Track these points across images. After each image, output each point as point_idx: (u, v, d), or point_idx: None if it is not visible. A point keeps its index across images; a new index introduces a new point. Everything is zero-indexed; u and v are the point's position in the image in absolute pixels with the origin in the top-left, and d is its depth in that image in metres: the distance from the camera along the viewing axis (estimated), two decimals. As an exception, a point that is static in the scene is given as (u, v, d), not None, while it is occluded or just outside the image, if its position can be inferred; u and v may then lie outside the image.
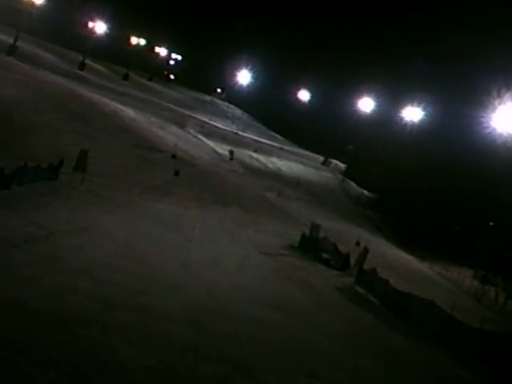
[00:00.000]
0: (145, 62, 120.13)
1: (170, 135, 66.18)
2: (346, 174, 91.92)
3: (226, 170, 62.42)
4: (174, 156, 55.95)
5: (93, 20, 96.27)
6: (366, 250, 38.20)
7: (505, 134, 56.12)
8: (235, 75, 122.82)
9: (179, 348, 15.51)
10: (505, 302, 49.08)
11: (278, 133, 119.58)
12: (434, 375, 21.09)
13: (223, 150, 72.79)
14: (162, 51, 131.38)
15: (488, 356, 23.82)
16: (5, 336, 12.95)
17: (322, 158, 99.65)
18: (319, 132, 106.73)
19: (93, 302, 16.99)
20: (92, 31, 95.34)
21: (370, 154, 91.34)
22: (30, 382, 11.58)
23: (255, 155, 78.99)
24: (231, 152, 68.63)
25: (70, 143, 43.50)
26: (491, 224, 74.60)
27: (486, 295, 49.86)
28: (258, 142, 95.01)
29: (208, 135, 78.34)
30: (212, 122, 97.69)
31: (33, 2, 74.97)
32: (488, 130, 58.15)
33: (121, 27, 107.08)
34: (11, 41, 70.30)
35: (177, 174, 49.07)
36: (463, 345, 24.77)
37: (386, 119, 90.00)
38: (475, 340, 24.74)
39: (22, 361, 12.19)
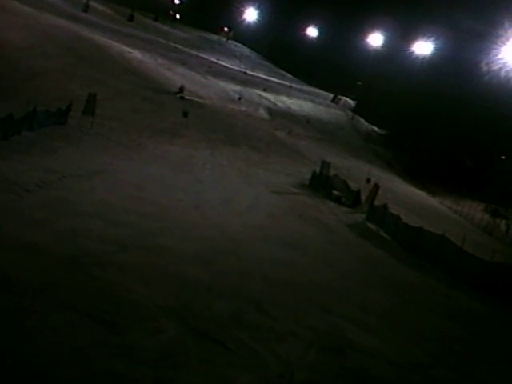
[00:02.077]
0: (150, 2, 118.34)
1: (177, 76, 65.68)
2: (355, 110, 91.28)
3: (235, 110, 62.09)
4: (182, 97, 55.67)
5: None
6: (376, 187, 38.30)
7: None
8: (242, 13, 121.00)
9: (193, 287, 15.73)
10: (516, 234, 49.35)
11: (286, 71, 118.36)
12: (445, 308, 21.33)
13: (232, 89, 72.28)
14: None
15: (499, 288, 24.07)
16: (22, 279, 13.15)
17: (331, 96, 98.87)
18: (328, 69, 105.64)
19: (107, 243, 17.16)
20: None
21: (380, 90, 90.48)
22: (50, 323, 11.80)
23: (264, 94, 78.39)
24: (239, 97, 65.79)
25: (78, 87, 43.37)
26: (503, 158, 74.32)
27: (497, 228, 50.09)
28: (266, 80, 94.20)
29: (216, 75, 77.68)
30: (220, 62, 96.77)
31: None
32: (499, 63, 57.44)
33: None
34: (14, -16, 69.24)
35: (185, 115, 48.90)
36: (474, 278, 25.00)
37: (395, 54, 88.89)
38: (486, 273, 24.96)
39: (41, 303, 12.40)
